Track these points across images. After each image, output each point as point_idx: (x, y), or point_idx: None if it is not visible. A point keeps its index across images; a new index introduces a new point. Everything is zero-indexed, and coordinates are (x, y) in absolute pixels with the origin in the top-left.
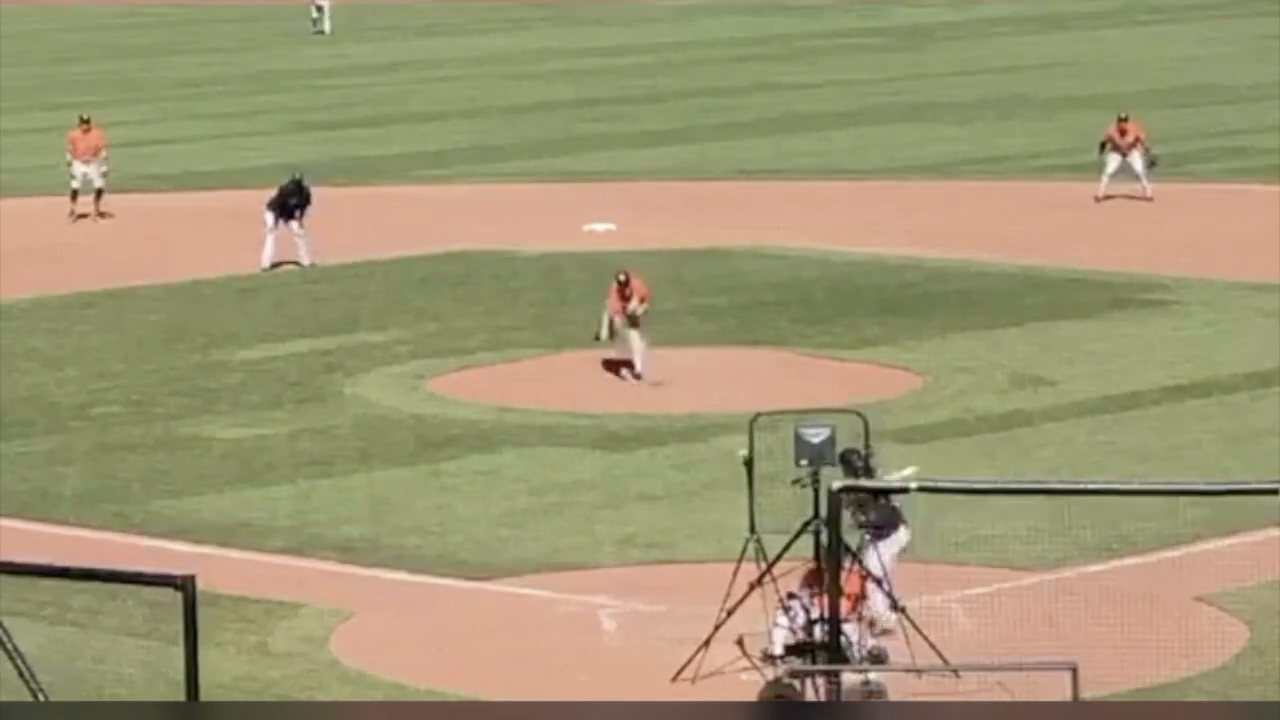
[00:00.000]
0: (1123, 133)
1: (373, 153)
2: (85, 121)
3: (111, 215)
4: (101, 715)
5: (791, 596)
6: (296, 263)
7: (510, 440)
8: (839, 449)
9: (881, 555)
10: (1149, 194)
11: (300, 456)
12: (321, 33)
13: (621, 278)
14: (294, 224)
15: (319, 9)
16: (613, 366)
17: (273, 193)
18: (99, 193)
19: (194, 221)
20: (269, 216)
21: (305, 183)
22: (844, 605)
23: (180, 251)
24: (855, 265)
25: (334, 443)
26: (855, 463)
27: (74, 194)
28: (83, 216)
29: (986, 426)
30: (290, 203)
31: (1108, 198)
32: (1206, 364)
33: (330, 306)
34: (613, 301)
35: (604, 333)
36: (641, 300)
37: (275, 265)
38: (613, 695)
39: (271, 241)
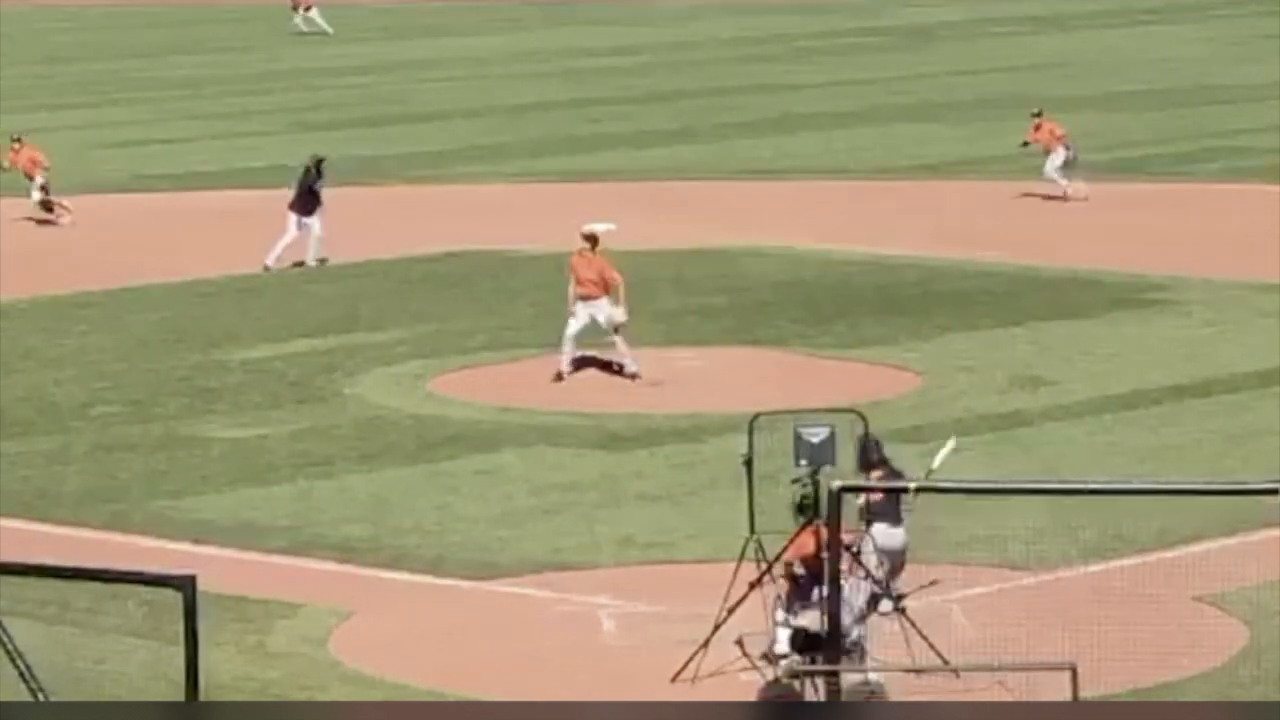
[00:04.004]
0: (1037, 128)
1: (373, 153)
2: (16, 140)
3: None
4: (101, 715)
5: (795, 581)
6: (302, 263)
7: (510, 440)
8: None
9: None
10: (1067, 194)
11: (300, 456)
12: (325, 33)
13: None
14: (314, 221)
15: (295, 7)
16: (604, 365)
17: (289, 194)
18: (45, 204)
19: (194, 221)
20: (291, 220)
21: (324, 166)
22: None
23: (180, 251)
24: (855, 265)
25: (334, 443)
26: (872, 452)
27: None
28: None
29: (986, 426)
30: (313, 187)
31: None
32: (1206, 364)
33: (330, 306)
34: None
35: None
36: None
37: (297, 264)
38: (613, 695)
39: (288, 240)
